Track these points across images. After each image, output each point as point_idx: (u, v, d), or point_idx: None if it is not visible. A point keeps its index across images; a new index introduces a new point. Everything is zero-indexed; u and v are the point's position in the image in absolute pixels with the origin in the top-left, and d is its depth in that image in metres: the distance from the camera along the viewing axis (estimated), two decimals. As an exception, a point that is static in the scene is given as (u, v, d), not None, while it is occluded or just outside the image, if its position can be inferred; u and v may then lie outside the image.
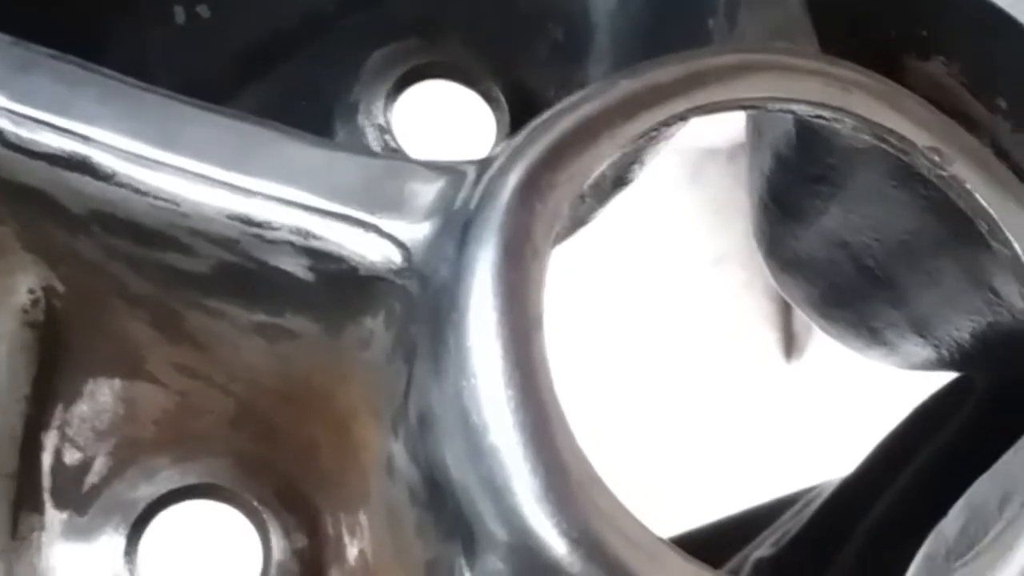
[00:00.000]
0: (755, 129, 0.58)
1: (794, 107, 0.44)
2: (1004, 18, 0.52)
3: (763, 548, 0.77)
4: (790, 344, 1.94)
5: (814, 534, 0.74)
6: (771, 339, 1.95)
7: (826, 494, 0.76)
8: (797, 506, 0.80)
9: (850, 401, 1.77)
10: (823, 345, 1.82)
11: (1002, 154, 0.53)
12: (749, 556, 0.77)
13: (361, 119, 0.61)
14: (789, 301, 0.63)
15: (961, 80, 0.55)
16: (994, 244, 0.45)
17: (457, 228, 0.40)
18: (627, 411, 1.73)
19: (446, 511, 0.40)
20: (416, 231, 0.41)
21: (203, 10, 0.58)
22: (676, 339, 1.84)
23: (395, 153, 0.60)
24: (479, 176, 0.41)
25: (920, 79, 0.55)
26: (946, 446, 0.64)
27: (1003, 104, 0.54)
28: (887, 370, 0.64)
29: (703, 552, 0.78)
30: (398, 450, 0.44)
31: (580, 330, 1.72)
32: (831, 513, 0.73)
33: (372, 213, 0.42)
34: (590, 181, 0.40)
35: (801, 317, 1.86)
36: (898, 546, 0.55)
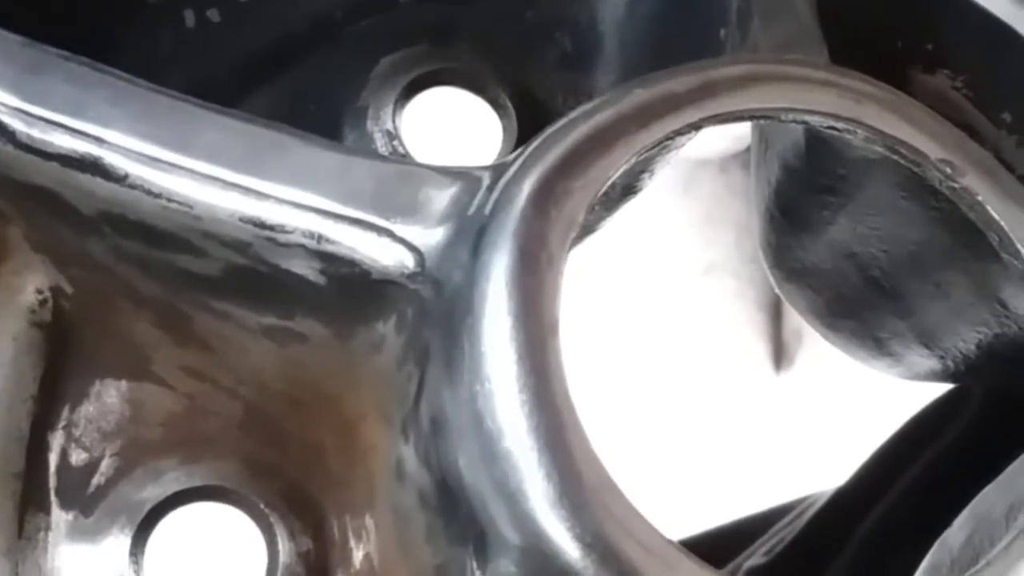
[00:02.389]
0: (762, 140, 0.58)
1: (807, 118, 0.44)
2: (1010, 33, 0.53)
3: (756, 557, 0.77)
4: (780, 354, 1.95)
5: (808, 543, 0.74)
6: (761, 349, 1.95)
7: (820, 503, 0.76)
8: (790, 515, 0.80)
9: (840, 411, 1.77)
10: (813, 355, 1.82)
11: (1007, 168, 0.53)
12: (742, 565, 0.77)
13: (370, 124, 0.61)
14: (794, 310, 0.63)
15: (966, 94, 0.56)
16: (1004, 256, 0.45)
17: (471, 234, 0.40)
18: (616, 420, 1.73)
19: (458, 515, 0.40)
20: (430, 236, 0.41)
21: (213, 14, 0.58)
22: (666, 348, 1.84)
23: (404, 158, 0.60)
24: (494, 182, 0.41)
25: (926, 92, 0.55)
26: (942, 455, 0.64)
27: (1008, 118, 0.55)
28: (877, 380, 0.64)
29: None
30: (408, 454, 0.44)
31: (570, 338, 1.72)
32: (825, 522, 0.73)
33: (386, 217, 0.42)
34: (604, 188, 0.40)
35: (791, 327, 1.87)
36: (893, 555, 0.55)
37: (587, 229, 0.57)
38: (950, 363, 0.57)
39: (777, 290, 0.63)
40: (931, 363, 0.58)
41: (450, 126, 0.63)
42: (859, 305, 0.59)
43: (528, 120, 0.62)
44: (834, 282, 0.58)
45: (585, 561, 0.36)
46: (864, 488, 0.70)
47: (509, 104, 0.63)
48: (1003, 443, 0.51)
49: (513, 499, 0.37)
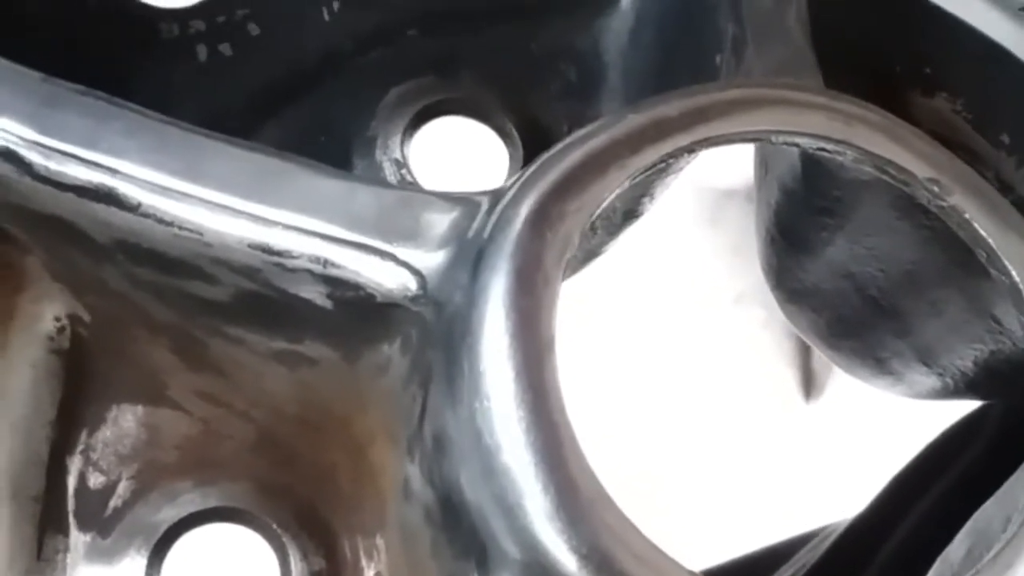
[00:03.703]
0: (762, 164, 0.59)
1: (798, 140, 0.45)
2: (1007, 56, 0.53)
3: (778, 585, 0.77)
4: (809, 383, 1.94)
5: (830, 568, 0.74)
6: (790, 378, 1.95)
7: (841, 528, 0.76)
8: (814, 541, 0.80)
9: (870, 439, 1.77)
10: (842, 384, 1.81)
11: (1006, 188, 0.54)
12: (765, 593, 0.77)
13: (379, 154, 0.62)
14: (796, 331, 0.64)
15: (965, 116, 0.56)
16: (993, 273, 0.46)
17: (471, 256, 0.41)
18: (647, 450, 1.73)
19: (460, 531, 0.41)
20: (431, 259, 0.43)
21: (225, 48, 0.59)
22: (696, 377, 1.84)
23: (412, 186, 0.61)
24: (492, 206, 0.42)
25: (925, 115, 0.56)
26: (960, 479, 0.64)
27: (1006, 139, 0.55)
28: (906, 408, 0.64)
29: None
30: (414, 473, 0.45)
31: (602, 368, 1.72)
32: (844, 549, 0.73)
33: (389, 242, 0.43)
34: (599, 211, 0.41)
35: (820, 356, 1.86)
36: (915, 577, 0.56)
37: (591, 253, 0.58)
38: (949, 380, 0.57)
39: (780, 310, 0.63)
40: (931, 381, 0.59)
41: (457, 154, 0.65)
42: (858, 325, 0.59)
43: (534, 148, 0.64)
44: (834, 302, 0.59)
45: (582, 572, 0.37)
46: (882, 515, 0.70)
47: (515, 132, 0.64)
48: (1019, 462, 0.51)
49: (512, 513, 0.38)
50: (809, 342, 0.64)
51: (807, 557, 0.78)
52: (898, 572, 0.66)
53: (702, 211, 1.90)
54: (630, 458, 1.64)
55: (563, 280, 0.55)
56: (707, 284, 1.92)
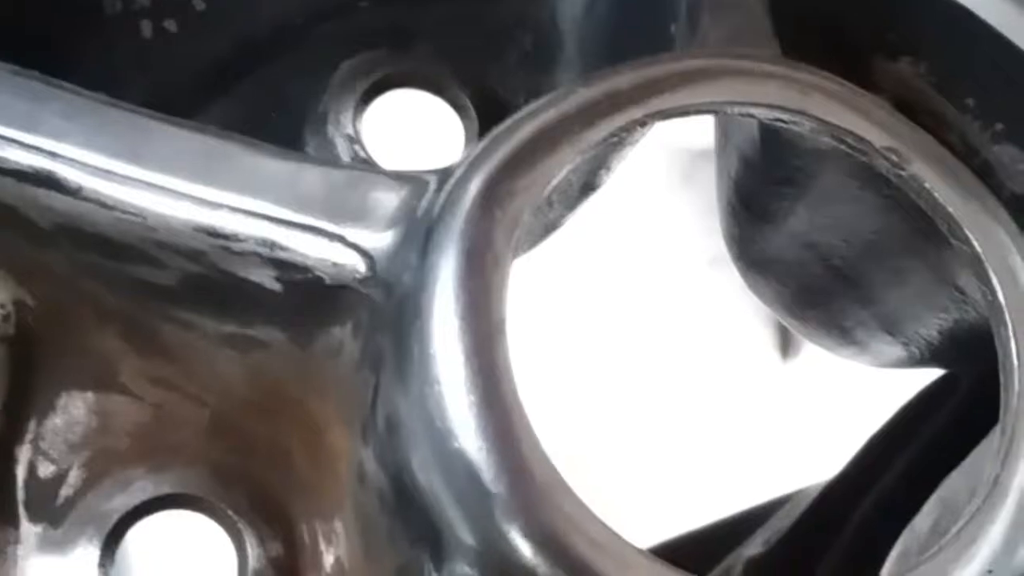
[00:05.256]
0: (722, 134, 0.58)
1: (752, 110, 0.44)
2: (971, 17, 0.53)
3: (754, 547, 0.77)
4: (786, 342, 1.94)
5: (803, 531, 0.74)
6: (767, 337, 1.95)
7: (815, 492, 0.76)
8: (788, 506, 0.81)
9: (846, 399, 1.77)
10: (819, 343, 1.81)
11: (972, 152, 0.53)
12: (742, 555, 0.77)
13: (331, 129, 0.61)
14: (760, 301, 0.64)
15: (929, 80, 0.55)
16: (954, 242, 0.45)
17: (420, 237, 0.41)
18: (623, 411, 1.73)
19: (414, 516, 0.40)
20: (380, 240, 0.42)
21: (171, 24, 0.58)
22: (672, 339, 1.84)
23: (364, 163, 0.60)
24: (440, 185, 0.41)
25: (889, 80, 0.55)
26: (932, 441, 0.64)
27: (971, 103, 0.54)
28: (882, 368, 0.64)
29: (700, 552, 0.78)
30: (368, 457, 0.44)
31: (575, 332, 1.72)
32: (820, 510, 0.73)
33: (336, 223, 0.42)
34: (550, 188, 0.40)
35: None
36: (887, 540, 0.55)
37: (550, 226, 0.57)
38: (914, 349, 0.57)
39: (744, 282, 0.63)
40: (896, 350, 0.58)
41: (411, 129, 0.64)
42: (823, 295, 0.59)
43: (490, 120, 0.62)
44: (797, 272, 0.59)
45: (537, 559, 0.36)
46: (857, 476, 0.70)
47: (470, 105, 0.63)
48: (991, 428, 0.51)
49: (464, 499, 0.37)
50: (774, 312, 0.63)
51: (782, 522, 0.78)
52: (871, 535, 0.66)
53: (675, 172, 1.89)
54: (606, 422, 1.64)
55: (521, 255, 0.54)
56: (682, 245, 1.91)
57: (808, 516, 0.74)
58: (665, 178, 1.89)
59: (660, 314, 1.85)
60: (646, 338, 1.83)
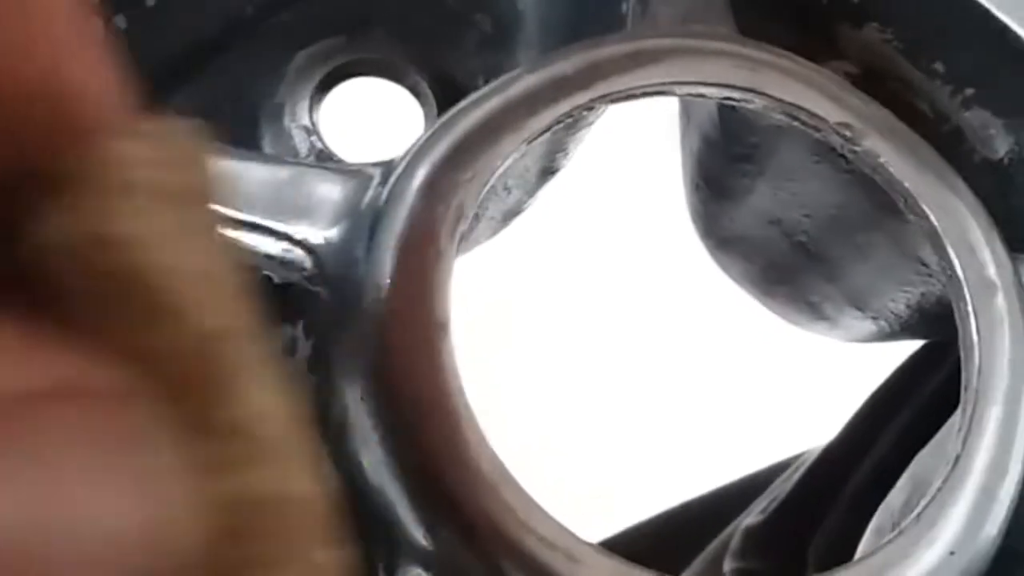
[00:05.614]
0: (684, 112, 0.57)
1: (702, 90, 0.44)
2: (935, -21, 0.52)
3: (753, 516, 0.77)
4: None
5: (800, 498, 0.73)
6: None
7: (811, 459, 0.75)
8: (786, 472, 0.80)
9: (850, 363, 1.77)
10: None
11: (942, 118, 0.52)
12: (741, 524, 0.77)
13: (287, 121, 0.60)
14: (729, 279, 0.63)
15: (897, 46, 0.55)
16: (912, 217, 0.44)
17: (365, 231, 0.40)
18: (626, 378, 1.73)
19: (366, 517, 0.40)
20: (324, 237, 0.41)
21: (120, 20, 0.57)
22: (673, 303, 1.83)
23: (321, 154, 0.59)
24: (384, 179, 0.41)
25: (855, 48, 0.54)
26: (925, 405, 0.64)
27: (940, 68, 0.54)
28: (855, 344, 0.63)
29: (699, 523, 0.78)
30: (323, 456, 0.44)
31: (575, 306, 1.72)
32: (817, 477, 0.73)
33: (282, 220, 0.41)
34: (495, 179, 0.40)
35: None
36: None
37: (510, 213, 0.56)
38: (884, 323, 0.56)
39: (711, 259, 0.62)
40: (865, 325, 0.58)
41: (370, 117, 0.63)
42: (790, 271, 0.58)
43: (449, 106, 0.61)
44: (763, 249, 0.58)
45: (487, 558, 0.36)
46: (852, 441, 0.69)
47: (429, 91, 0.62)
48: None
49: (414, 499, 0.37)
50: (743, 289, 0.63)
51: (779, 489, 0.78)
52: (871, 497, 0.66)
53: (677, 139, 1.89)
54: (610, 386, 1.64)
55: (484, 242, 0.53)
56: (685, 212, 1.90)
57: (805, 483, 0.74)
58: (668, 144, 1.88)
59: (659, 279, 1.84)
60: (645, 301, 1.82)
